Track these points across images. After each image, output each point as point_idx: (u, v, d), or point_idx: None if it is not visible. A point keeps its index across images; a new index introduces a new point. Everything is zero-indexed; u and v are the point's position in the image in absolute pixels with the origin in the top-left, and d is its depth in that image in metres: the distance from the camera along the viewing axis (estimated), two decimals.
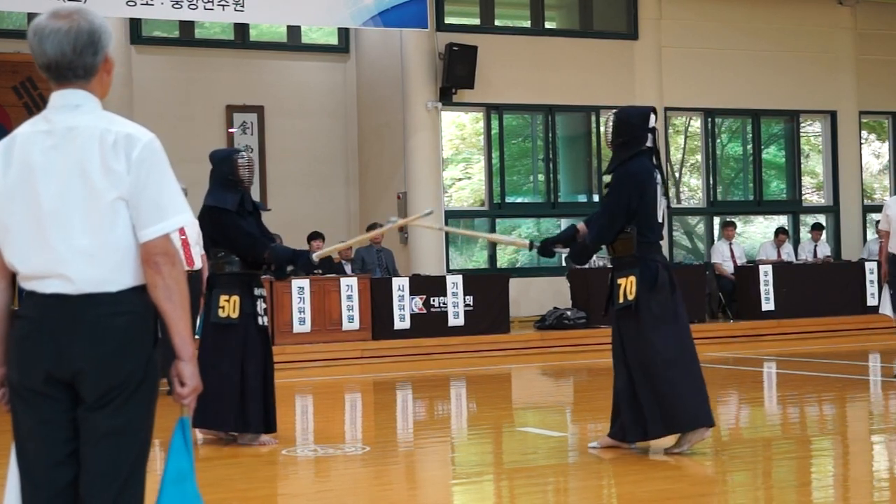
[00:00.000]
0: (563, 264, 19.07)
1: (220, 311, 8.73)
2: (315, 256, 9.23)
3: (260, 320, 8.88)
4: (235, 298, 8.74)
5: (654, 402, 7.82)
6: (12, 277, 3.68)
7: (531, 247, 8.81)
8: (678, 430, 7.90)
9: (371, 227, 18.16)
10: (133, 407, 3.57)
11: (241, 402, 8.72)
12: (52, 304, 3.53)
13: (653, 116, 8.17)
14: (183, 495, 3.62)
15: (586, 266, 17.64)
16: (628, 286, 7.91)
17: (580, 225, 8.42)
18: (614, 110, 8.38)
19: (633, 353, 7.90)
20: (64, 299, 3.52)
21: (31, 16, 18.63)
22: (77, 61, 3.60)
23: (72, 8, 3.65)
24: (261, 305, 8.92)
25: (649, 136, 8.10)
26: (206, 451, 8.69)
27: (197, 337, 12.51)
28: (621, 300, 7.94)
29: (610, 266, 8.33)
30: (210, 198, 8.90)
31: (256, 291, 8.91)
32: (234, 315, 8.73)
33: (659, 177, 8.12)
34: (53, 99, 3.65)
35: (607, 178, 8.29)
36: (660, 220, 8.13)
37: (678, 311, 8.02)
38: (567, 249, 8.52)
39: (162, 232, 3.55)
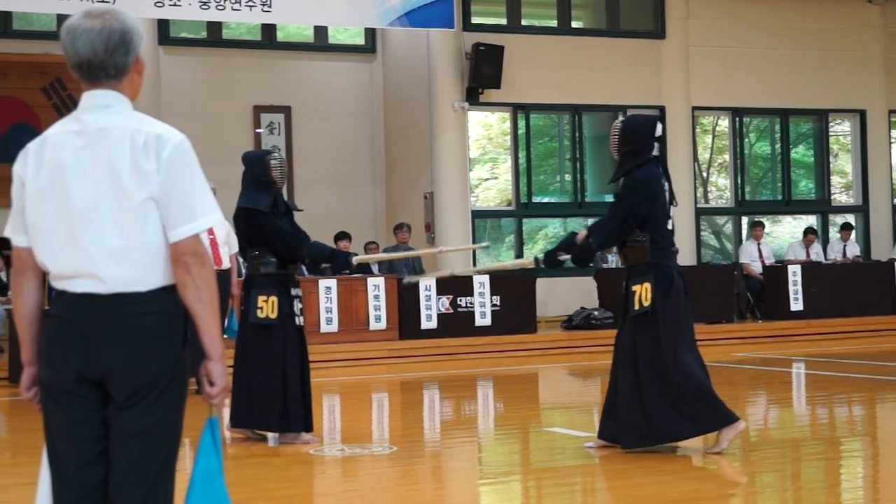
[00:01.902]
0: (591, 264, 19.02)
1: (258, 311, 8.76)
2: (355, 260, 9.25)
3: (297, 320, 8.91)
4: (273, 299, 8.76)
5: (670, 407, 7.80)
6: (43, 277, 3.70)
7: (536, 263, 8.83)
8: (707, 430, 7.89)
9: (398, 228, 18.19)
10: (162, 406, 3.58)
11: (283, 401, 8.75)
12: (82, 303, 3.55)
13: (659, 125, 8.22)
14: (212, 494, 3.63)
15: (613, 266, 17.63)
16: (643, 293, 7.92)
17: (580, 232, 8.56)
18: (620, 119, 8.42)
19: (649, 360, 7.88)
20: (94, 299, 3.54)
21: (60, 17, 18.73)
22: (108, 60, 3.61)
23: (104, 8, 3.68)
24: (297, 305, 8.95)
25: (656, 144, 8.12)
26: (235, 450, 8.71)
27: (225, 337, 12.58)
28: (637, 307, 7.95)
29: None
30: (243, 199, 8.93)
31: (293, 291, 8.94)
32: (273, 315, 8.75)
33: (667, 184, 8.13)
34: (84, 99, 3.66)
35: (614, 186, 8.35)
36: (670, 227, 8.14)
37: (689, 317, 8.06)
38: (569, 256, 8.52)
39: (191, 232, 3.56)
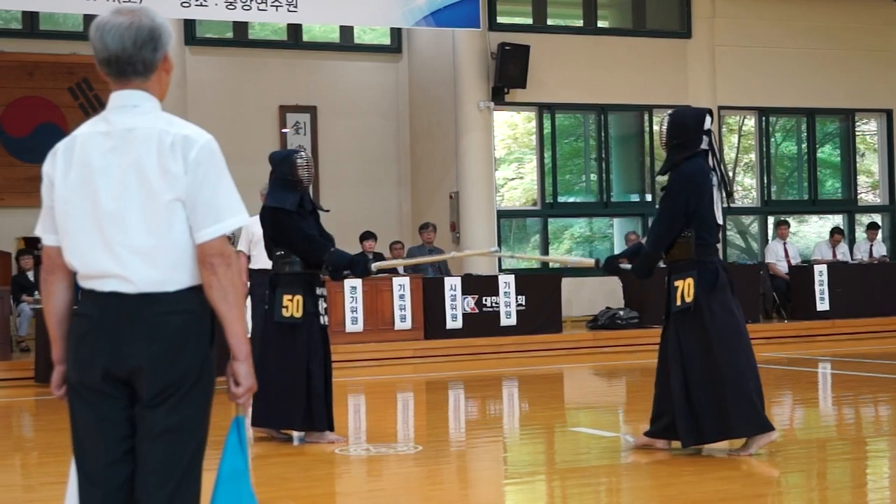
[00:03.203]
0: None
1: (283, 310, 8.77)
2: (375, 266, 9.24)
3: (322, 319, 8.93)
4: (298, 298, 8.78)
5: (716, 406, 7.74)
6: (72, 277, 3.72)
7: (597, 265, 8.77)
8: (739, 434, 7.85)
9: (423, 227, 18.20)
10: (189, 405, 3.59)
11: (307, 400, 8.77)
12: (110, 302, 3.57)
13: (708, 118, 8.09)
14: (238, 493, 3.65)
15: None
16: (686, 288, 7.83)
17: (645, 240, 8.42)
18: (669, 111, 8.32)
19: (694, 356, 7.80)
20: (122, 298, 3.56)
21: (87, 18, 18.83)
22: (137, 56, 3.63)
23: (134, 6, 3.70)
24: (322, 304, 8.97)
25: (705, 137, 8.04)
26: (260, 449, 8.73)
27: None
28: (679, 303, 7.85)
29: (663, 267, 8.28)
30: (270, 198, 8.96)
31: (318, 291, 8.95)
32: (298, 315, 8.77)
33: (715, 178, 8.05)
34: (112, 99, 3.68)
35: (661, 180, 8.24)
36: (719, 221, 8.07)
37: (738, 311, 7.96)
38: (630, 265, 8.44)
39: (218, 233, 3.58)
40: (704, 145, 8.04)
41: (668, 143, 8.07)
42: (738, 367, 7.80)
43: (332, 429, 8.98)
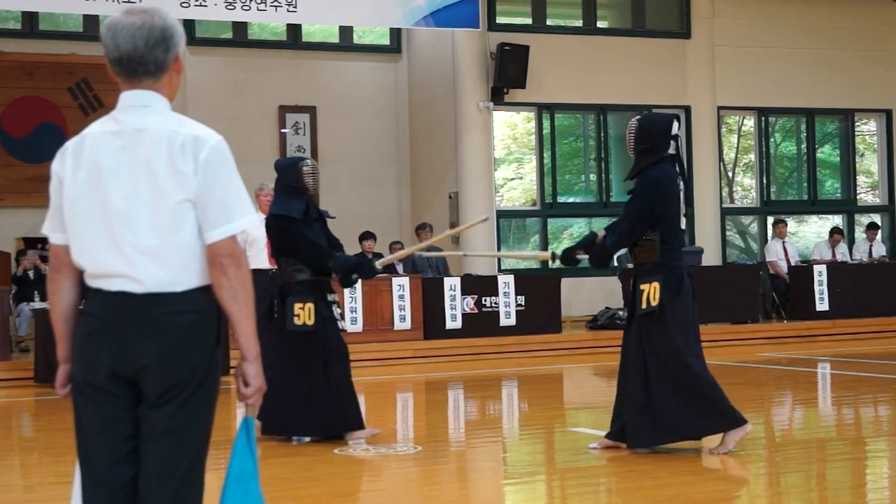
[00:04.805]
0: (616, 264, 19.00)
1: (295, 318, 8.71)
2: (378, 264, 9.24)
3: (339, 324, 8.89)
4: (310, 305, 8.72)
5: (681, 406, 7.79)
6: (79, 276, 3.72)
7: (553, 258, 8.82)
8: (706, 433, 7.91)
9: (420, 228, 18.20)
10: (194, 405, 3.60)
11: (335, 404, 8.74)
12: (117, 301, 3.58)
13: (675, 124, 8.18)
14: (246, 495, 3.65)
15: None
16: (652, 292, 7.89)
17: (600, 232, 8.49)
18: (637, 116, 8.37)
19: (657, 359, 7.86)
20: (130, 297, 3.57)
21: (86, 18, 18.85)
22: (148, 56, 3.64)
23: (146, 6, 3.71)
24: (336, 310, 8.92)
25: (672, 143, 8.09)
26: (260, 449, 8.72)
27: None
28: (644, 306, 7.92)
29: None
30: (275, 206, 8.92)
31: (329, 297, 8.89)
32: (311, 322, 8.70)
33: (681, 183, 8.10)
34: (123, 99, 3.69)
35: (628, 184, 8.31)
36: (682, 226, 8.13)
37: (696, 319, 8.05)
38: (588, 256, 8.49)
39: (228, 234, 3.59)
40: (671, 150, 8.08)
41: (636, 148, 8.13)
42: (700, 369, 7.87)
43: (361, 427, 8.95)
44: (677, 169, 8.15)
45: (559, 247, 21.38)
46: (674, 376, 7.82)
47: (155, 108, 3.66)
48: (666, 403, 7.82)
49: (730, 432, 7.89)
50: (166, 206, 3.55)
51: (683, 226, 8.19)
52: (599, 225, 21.62)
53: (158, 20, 3.65)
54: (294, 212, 8.79)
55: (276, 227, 8.89)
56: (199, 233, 3.60)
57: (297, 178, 8.88)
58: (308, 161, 9.01)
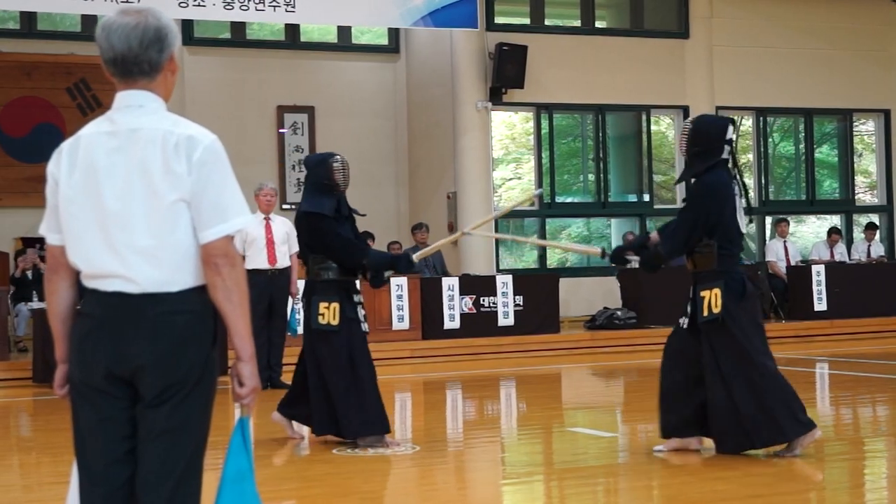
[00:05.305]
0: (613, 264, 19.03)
1: (319, 317, 8.57)
2: (415, 257, 9.11)
3: (363, 326, 8.75)
4: (335, 305, 8.56)
5: (764, 414, 7.70)
6: (76, 277, 3.73)
7: (603, 254, 8.71)
8: (791, 437, 7.79)
9: (416, 228, 18.17)
10: (190, 405, 3.60)
11: (358, 405, 8.68)
12: (113, 302, 3.58)
13: (731, 128, 8.04)
14: (242, 495, 3.64)
15: (634, 267, 17.57)
16: (713, 299, 7.75)
17: (653, 234, 8.33)
18: (692, 118, 8.27)
19: (732, 367, 7.74)
20: (125, 297, 3.57)
21: (84, 18, 18.84)
22: (143, 56, 3.64)
23: (140, 7, 3.71)
24: (361, 311, 8.77)
25: (726, 147, 8.00)
26: (260, 449, 8.71)
27: (289, 334, 12.60)
28: (706, 313, 7.78)
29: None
30: (305, 203, 8.74)
31: (355, 298, 8.75)
32: (335, 322, 8.56)
33: (737, 188, 8.00)
34: (118, 99, 3.69)
35: (675, 184, 8.23)
36: (743, 229, 8.03)
37: (762, 322, 7.98)
38: (638, 258, 8.39)
39: (222, 233, 3.59)
40: (725, 154, 7.99)
41: (689, 151, 7.98)
42: (775, 372, 7.79)
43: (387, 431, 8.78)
44: (732, 174, 8.01)
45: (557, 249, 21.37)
46: (753, 384, 7.71)
47: (150, 108, 3.67)
48: (752, 412, 7.69)
49: (801, 437, 7.83)
50: (161, 206, 3.55)
51: (744, 229, 8.06)
52: (597, 226, 21.64)
53: (153, 20, 3.66)
54: (325, 209, 8.62)
55: (308, 225, 8.72)
56: (194, 233, 3.59)
57: (327, 175, 8.70)
58: (338, 157, 8.81)
